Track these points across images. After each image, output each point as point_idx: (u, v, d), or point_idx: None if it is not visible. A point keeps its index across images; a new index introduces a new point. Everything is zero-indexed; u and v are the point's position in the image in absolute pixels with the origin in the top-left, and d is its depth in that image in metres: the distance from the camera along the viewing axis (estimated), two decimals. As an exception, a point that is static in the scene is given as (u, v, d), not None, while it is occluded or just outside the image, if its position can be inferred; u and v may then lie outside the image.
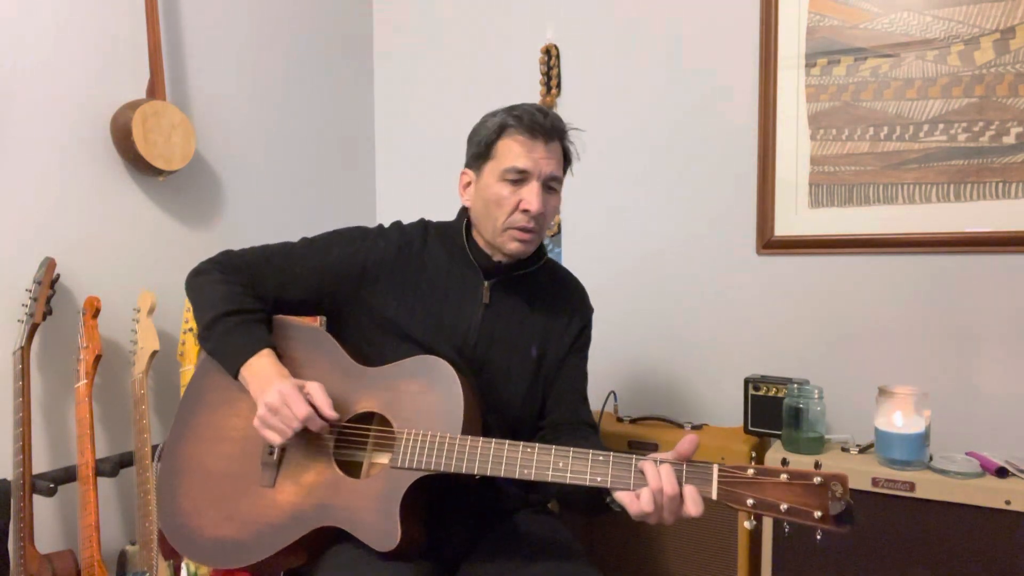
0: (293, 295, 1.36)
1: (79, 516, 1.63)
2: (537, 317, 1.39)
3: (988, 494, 1.44)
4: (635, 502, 1.04)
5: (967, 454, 1.59)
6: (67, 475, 1.67)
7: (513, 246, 1.31)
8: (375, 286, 1.35)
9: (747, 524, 1.02)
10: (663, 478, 1.03)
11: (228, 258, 1.38)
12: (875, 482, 1.53)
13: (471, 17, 2.45)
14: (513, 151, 1.28)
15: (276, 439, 1.18)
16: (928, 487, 1.49)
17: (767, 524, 1.62)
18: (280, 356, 1.28)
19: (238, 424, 1.28)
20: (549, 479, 1.09)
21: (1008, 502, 1.42)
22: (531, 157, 1.28)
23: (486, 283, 1.36)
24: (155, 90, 1.85)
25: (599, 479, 1.07)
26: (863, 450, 1.67)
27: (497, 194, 1.29)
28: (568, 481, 1.08)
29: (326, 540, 1.19)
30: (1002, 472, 1.49)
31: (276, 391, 1.17)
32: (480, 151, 1.33)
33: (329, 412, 1.19)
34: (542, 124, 1.28)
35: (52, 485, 1.62)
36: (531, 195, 1.28)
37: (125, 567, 1.75)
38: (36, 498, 1.62)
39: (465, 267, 1.37)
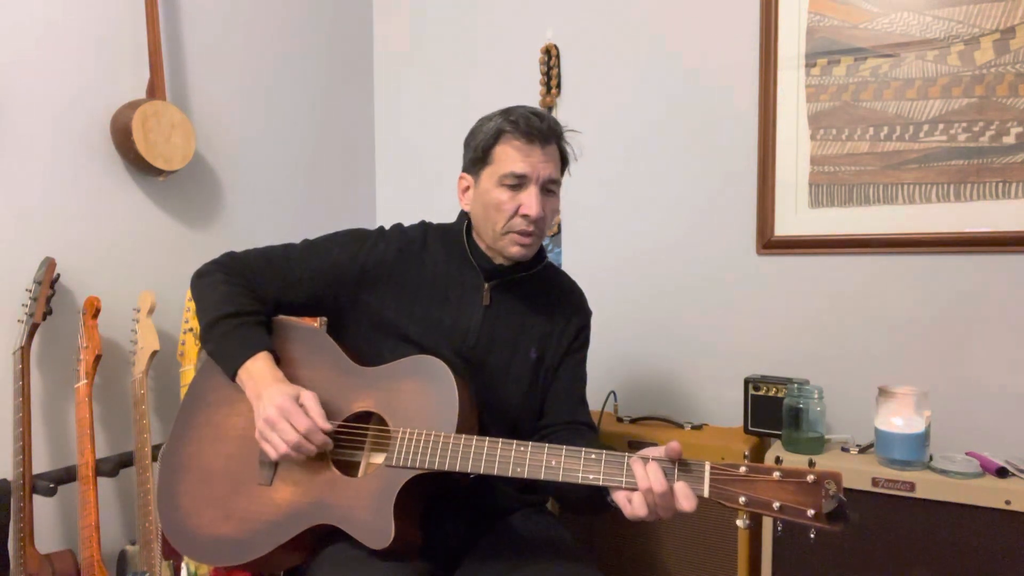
0: (294, 298, 1.36)
1: (79, 516, 1.63)
2: (537, 319, 1.39)
3: (988, 494, 1.44)
4: (628, 506, 1.04)
5: (967, 454, 1.59)
6: (67, 475, 1.67)
7: (514, 250, 1.32)
8: (374, 288, 1.35)
9: (740, 523, 1.01)
10: (651, 477, 1.02)
11: (231, 259, 1.38)
12: (875, 482, 1.53)
13: (471, 18, 2.45)
14: (510, 156, 1.28)
15: (273, 454, 1.18)
16: (928, 487, 1.49)
17: (767, 525, 1.62)
18: (279, 357, 1.29)
19: (238, 423, 1.29)
20: (542, 477, 1.09)
21: (1008, 502, 1.42)
22: (528, 161, 1.28)
23: (487, 285, 1.36)
24: (155, 90, 1.85)
25: (591, 477, 1.07)
26: (863, 450, 1.67)
27: (496, 199, 1.29)
28: (561, 479, 1.08)
29: (323, 538, 1.20)
30: (1002, 472, 1.49)
31: (274, 406, 1.17)
32: (477, 156, 1.33)
33: (323, 423, 1.18)
34: (539, 128, 1.28)
35: (52, 485, 1.62)
36: (530, 199, 1.28)
37: (125, 567, 1.75)
38: (36, 498, 1.62)
39: (466, 269, 1.37)
